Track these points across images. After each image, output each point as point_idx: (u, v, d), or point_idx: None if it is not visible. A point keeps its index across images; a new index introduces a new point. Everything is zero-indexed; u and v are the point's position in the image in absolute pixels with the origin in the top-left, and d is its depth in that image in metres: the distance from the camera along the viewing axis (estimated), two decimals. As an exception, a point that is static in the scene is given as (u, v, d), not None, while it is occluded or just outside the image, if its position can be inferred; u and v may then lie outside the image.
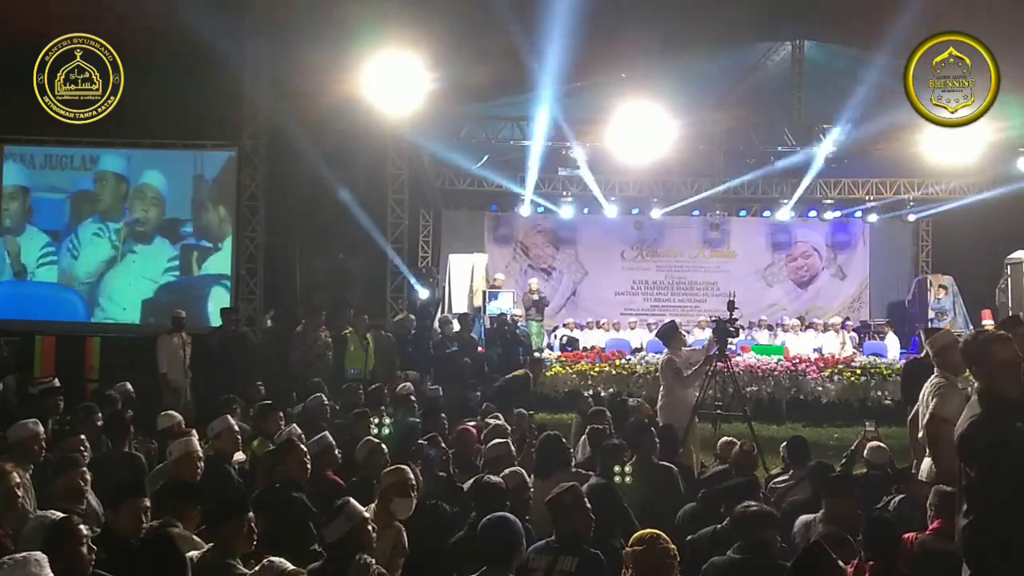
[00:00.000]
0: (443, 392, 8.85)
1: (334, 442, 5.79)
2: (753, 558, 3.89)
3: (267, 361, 10.46)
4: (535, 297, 15.48)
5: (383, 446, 5.66)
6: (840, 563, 3.47)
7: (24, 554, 3.03)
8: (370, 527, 3.89)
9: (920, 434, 5.18)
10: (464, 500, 5.11)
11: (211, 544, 3.86)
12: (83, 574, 3.39)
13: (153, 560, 3.36)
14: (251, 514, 3.89)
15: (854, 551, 4.23)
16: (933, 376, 5.17)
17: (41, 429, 5.21)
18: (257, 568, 3.39)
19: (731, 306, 8.76)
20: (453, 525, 4.69)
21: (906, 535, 4.22)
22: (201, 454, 5.19)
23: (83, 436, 5.45)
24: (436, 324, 13.11)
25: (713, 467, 6.66)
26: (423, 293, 15.33)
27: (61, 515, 3.50)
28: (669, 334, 8.58)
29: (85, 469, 4.66)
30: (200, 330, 11.46)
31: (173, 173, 13.19)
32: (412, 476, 4.76)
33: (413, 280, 14.64)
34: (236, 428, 5.85)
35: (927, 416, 4.98)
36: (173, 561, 3.36)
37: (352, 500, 3.96)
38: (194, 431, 5.71)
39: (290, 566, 3.39)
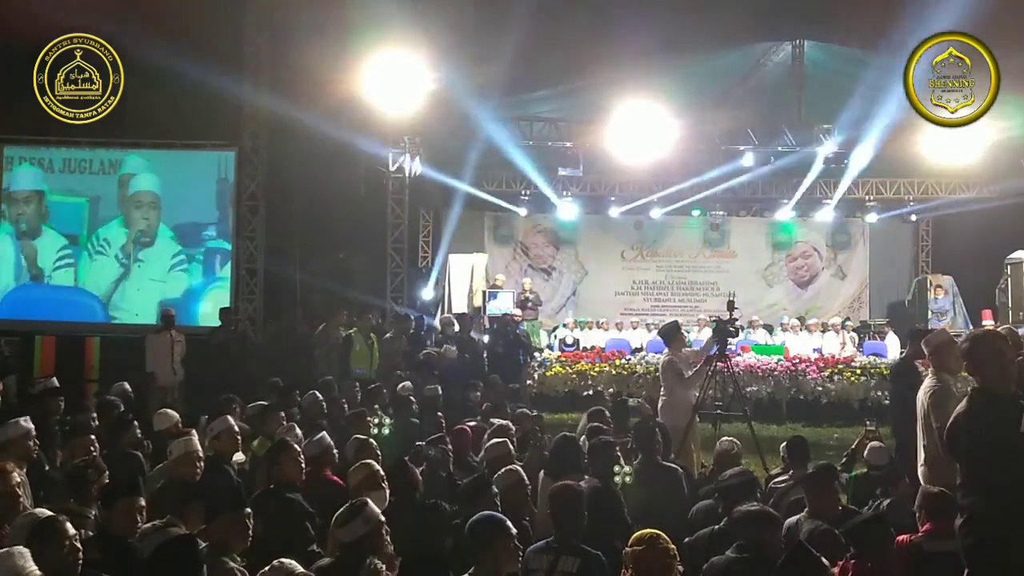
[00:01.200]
0: (443, 392, 8.84)
1: (332, 442, 5.79)
2: (752, 557, 3.88)
3: (265, 361, 10.45)
4: (523, 296, 15.49)
5: (372, 442, 5.65)
6: (824, 561, 3.46)
7: (7, 548, 3.04)
8: (384, 531, 3.85)
9: (925, 442, 5.14)
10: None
11: (207, 543, 3.85)
12: (70, 574, 3.37)
13: (171, 563, 3.33)
14: (247, 510, 3.88)
15: (841, 546, 4.22)
16: (928, 378, 5.15)
17: (32, 427, 5.19)
18: (267, 569, 3.36)
19: (731, 306, 8.74)
20: (453, 524, 4.70)
21: (900, 537, 4.22)
22: (201, 453, 5.18)
23: (92, 436, 5.45)
24: (436, 324, 13.12)
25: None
26: (428, 293, 15.33)
27: (49, 513, 3.49)
28: (671, 334, 8.55)
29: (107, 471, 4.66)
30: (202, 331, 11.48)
31: (196, 175, 13.20)
32: (380, 469, 4.76)
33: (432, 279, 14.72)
34: (236, 428, 5.83)
35: (935, 429, 4.92)
36: (193, 565, 3.35)
37: (370, 502, 3.91)
38: (193, 431, 5.70)
39: (300, 568, 3.34)
